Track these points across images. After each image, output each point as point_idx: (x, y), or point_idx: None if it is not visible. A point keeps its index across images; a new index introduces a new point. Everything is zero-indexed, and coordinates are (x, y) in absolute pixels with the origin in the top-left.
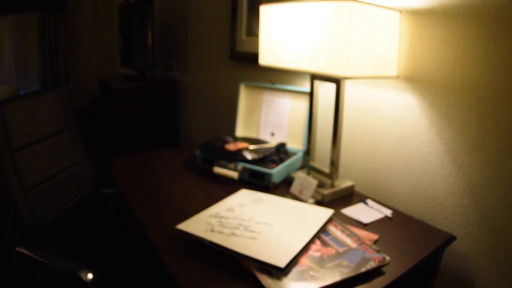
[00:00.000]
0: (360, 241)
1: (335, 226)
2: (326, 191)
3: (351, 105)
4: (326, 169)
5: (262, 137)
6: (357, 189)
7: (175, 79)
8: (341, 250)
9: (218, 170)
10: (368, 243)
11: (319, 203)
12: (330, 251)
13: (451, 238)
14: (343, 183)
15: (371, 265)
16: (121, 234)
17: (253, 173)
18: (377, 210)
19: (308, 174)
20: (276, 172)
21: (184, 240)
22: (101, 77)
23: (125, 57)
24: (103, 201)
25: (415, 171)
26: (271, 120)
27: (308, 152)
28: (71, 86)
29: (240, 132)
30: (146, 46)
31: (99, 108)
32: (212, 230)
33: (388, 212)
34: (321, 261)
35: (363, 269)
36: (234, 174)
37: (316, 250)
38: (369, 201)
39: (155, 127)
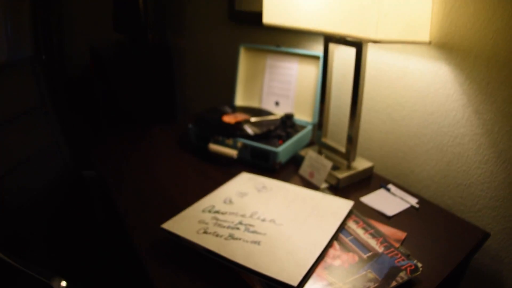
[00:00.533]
0: (387, 242)
1: (356, 222)
2: (342, 175)
3: (371, 73)
4: (341, 148)
5: (265, 106)
6: (375, 170)
7: (170, 44)
8: (365, 256)
9: (214, 147)
10: (396, 244)
11: (333, 188)
12: (352, 257)
13: (486, 236)
14: (361, 164)
15: (402, 277)
16: (103, 228)
17: (256, 152)
18: (401, 198)
19: (320, 152)
20: (283, 150)
21: (172, 242)
22: (92, 44)
23: (117, 21)
24: (85, 186)
25: (445, 154)
26: (275, 87)
27: (320, 126)
28: (44, 56)
29: (239, 101)
30: (136, 7)
31: (90, 78)
32: (205, 232)
33: (413, 201)
34: (342, 273)
35: (394, 283)
36: (233, 153)
37: (335, 256)
38: (391, 187)
39: (150, 98)
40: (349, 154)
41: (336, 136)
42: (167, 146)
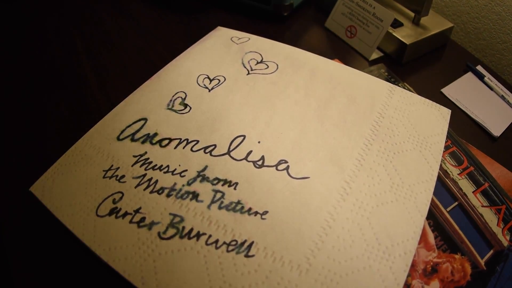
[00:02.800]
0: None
1: (455, 158)
2: (410, 38)
3: None
4: None
5: None
6: (452, 37)
7: None
8: (482, 261)
9: None
10: None
11: (391, 60)
12: (462, 268)
13: None
14: (434, 23)
15: None
16: None
17: None
18: (502, 96)
19: None
20: None
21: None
22: None
23: None
24: None
25: None
26: None
27: None
28: None
29: None
30: None
31: None
32: (115, 210)
33: None
34: None
35: None
36: None
37: (426, 269)
38: (484, 72)
39: None
40: (423, 2)
41: None
42: None
